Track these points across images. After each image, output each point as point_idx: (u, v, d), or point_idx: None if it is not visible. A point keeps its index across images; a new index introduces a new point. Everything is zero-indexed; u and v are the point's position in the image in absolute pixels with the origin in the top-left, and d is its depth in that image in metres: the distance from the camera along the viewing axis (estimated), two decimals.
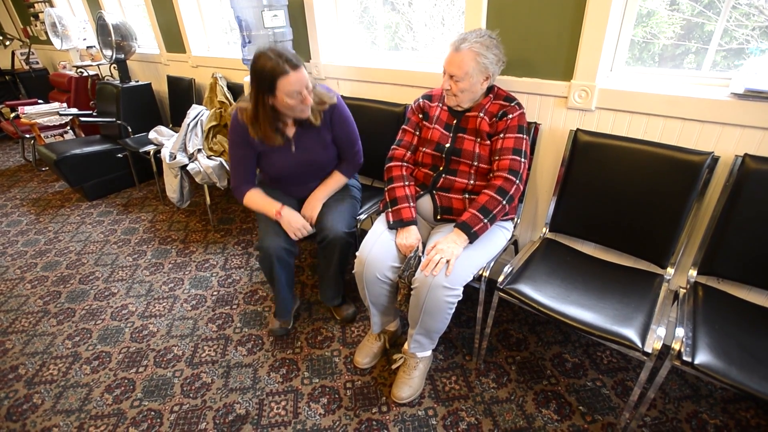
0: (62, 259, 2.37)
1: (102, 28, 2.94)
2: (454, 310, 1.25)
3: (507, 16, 1.42)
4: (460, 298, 1.24)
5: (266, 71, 1.27)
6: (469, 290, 1.83)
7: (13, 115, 3.20)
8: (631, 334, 1.08)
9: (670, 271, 1.31)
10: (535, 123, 1.48)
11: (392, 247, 1.34)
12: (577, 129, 1.41)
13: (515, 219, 1.54)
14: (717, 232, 1.23)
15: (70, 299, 2.02)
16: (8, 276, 2.24)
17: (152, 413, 1.41)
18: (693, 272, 1.29)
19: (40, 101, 3.69)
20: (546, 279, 1.31)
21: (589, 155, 1.39)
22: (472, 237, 1.25)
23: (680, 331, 1.08)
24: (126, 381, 1.55)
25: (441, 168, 1.38)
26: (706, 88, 1.23)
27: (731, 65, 1.26)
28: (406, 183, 1.41)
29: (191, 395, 1.47)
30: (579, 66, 1.33)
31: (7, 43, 4.26)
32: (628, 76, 1.37)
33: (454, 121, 1.37)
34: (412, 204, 1.38)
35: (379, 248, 1.33)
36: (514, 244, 1.62)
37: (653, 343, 1.06)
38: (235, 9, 1.83)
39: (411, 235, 1.33)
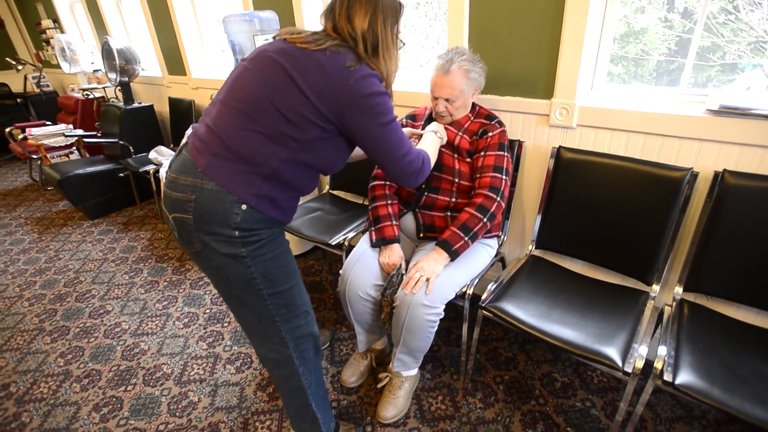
0: (61, 277, 2.41)
1: (107, 53, 3.05)
2: (435, 328, 1.25)
3: (488, 36, 1.46)
4: (441, 317, 1.24)
5: None
6: (459, 308, 1.82)
7: (21, 136, 3.30)
8: (612, 352, 1.06)
9: (656, 288, 1.30)
10: (519, 140, 1.50)
11: (375, 265, 1.35)
12: (560, 146, 1.42)
13: (501, 236, 1.54)
14: (701, 249, 1.22)
15: (65, 317, 2.05)
16: (7, 294, 2.28)
17: None
18: (679, 289, 1.27)
19: (48, 123, 3.80)
20: (529, 296, 1.30)
21: (571, 172, 1.40)
22: (453, 255, 1.25)
23: (663, 350, 1.06)
24: (114, 399, 1.55)
25: (423, 186, 1.39)
26: (684, 105, 1.24)
27: (726, 80, 1.26)
28: (389, 201, 1.42)
29: (177, 414, 1.47)
30: (558, 84, 1.35)
31: (20, 67, 4.43)
32: (608, 93, 1.39)
33: None
34: (394, 222, 1.39)
35: (362, 266, 1.34)
36: (501, 261, 1.62)
37: (635, 362, 1.04)
38: (228, 34, 1.89)
39: (394, 254, 1.34)
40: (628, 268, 1.35)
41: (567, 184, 1.42)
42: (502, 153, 1.31)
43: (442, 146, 1.35)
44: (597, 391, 1.44)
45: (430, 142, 1.26)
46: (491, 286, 1.34)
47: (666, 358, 1.04)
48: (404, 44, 1.07)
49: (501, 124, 1.35)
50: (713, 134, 1.15)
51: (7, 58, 4.45)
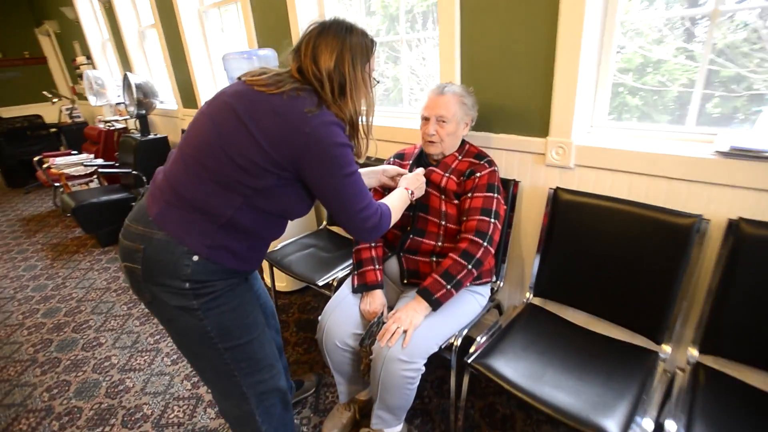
0: (63, 305, 2.43)
1: (127, 87, 3.19)
2: (415, 384, 1.14)
3: (480, 70, 1.41)
4: (421, 372, 1.13)
5: (360, 32, 0.92)
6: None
7: (45, 165, 3.45)
8: (611, 426, 0.93)
9: (667, 348, 1.15)
10: (514, 180, 1.41)
11: (355, 313, 1.26)
12: (557, 187, 1.32)
13: (497, 282, 1.44)
14: (717, 305, 1.08)
15: (59, 348, 2.04)
16: (10, 322, 2.31)
17: None
18: (693, 351, 1.12)
19: (74, 152, 3.98)
20: (522, 352, 1.18)
21: (570, 215, 1.30)
22: (434, 304, 1.15)
23: (671, 426, 0.92)
24: None
25: (408, 228, 1.32)
26: (690, 145, 1.13)
27: (753, 111, 1.13)
28: (373, 244, 1.35)
29: None
30: (554, 122, 1.27)
31: (55, 100, 4.71)
32: (610, 131, 1.29)
33: None
34: (377, 267, 1.31)
35: (340, 314, 1.26)
36: (497, 307, 1.50)
37: None
38: (228, 71, 1.93)
39: (375, 300, 1.25)
40: (635, 322, 1.21)
41: (566, 227, 1.31)
42: (491, 194, 1.22)
43: (428, 187, 1.28)
44: None
45: (398, 198, 1.15)
46: (481, 338, 1.22)
47: None
48: (378, 82, 1.02)
49: (491, 163, 1.27)
50: (725, 178, 1.03)
51: (44, 92, 4.75)
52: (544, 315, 1.35)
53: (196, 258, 0.85)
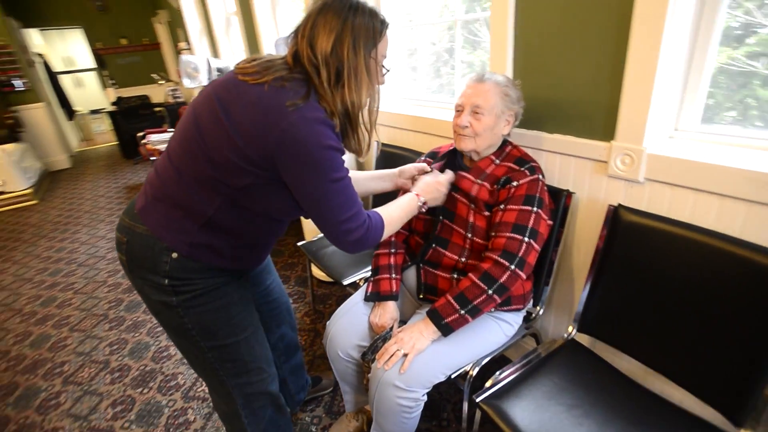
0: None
1: (210, 71, 3.40)
2: (413, 414, 1.02)
3: (535, 56, 1.18)
4: (421, 401, 1.01)
5: (368, 11, 0.80)
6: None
7: (143, 141, 3.88)
8: None
9: None
10: (567, 191, 1.17)
11: (363, 323, 1.17)
12: (619, 205, 1.06)
13: (537, 308, 1.23)
14: None
15: (127, 309, 2.27)
16: (97, 278, 2.64)
17: None
18: None
19: (170, 130, 4.42)
20: (547, 400, 0.98)
21: (632, 240, 1.04)
22: (444, 330, 1.00)
23: None
24: (129, 399, 1.64)
25: (431, 236, 1.17)
26: None
27: None
28: (393, 250, 1.23)
29: (171, 429, 1.48)
30: (621, 122, 1.02)
31: (161, 82, 5.26)
32: (703, 137, 0.99)
33: None
34: (394, 275, 1.19)
35: (347, 322, 1.17)
36: (534, 336, 1.29)
37: None
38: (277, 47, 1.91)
39: (386, 313, 1.14)
40: (706, 389, 0.93)
41: (626, 255, 1.06)
42: (528, 208, 1.02)
43: (454, 192, 1.12)
44: None
45: (400, 207, 0.99)
46: (501, 373, 1.05)
47: None
48: (388, 71, 0.89)
49: (534, 170, 1.06)
50: None
51: (152, 75, 5.34)
52: (586, 357, 1.12)
53: (175, 255, 0.82)
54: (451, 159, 1.20)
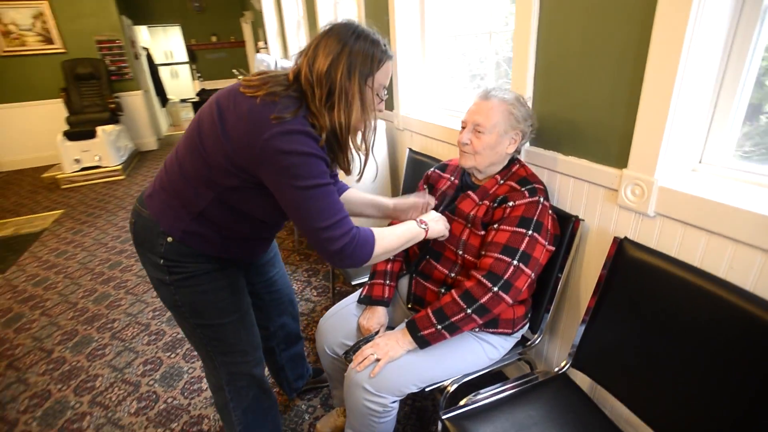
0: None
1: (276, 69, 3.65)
2: (383, 420, 1.03)
3: (554, 75, 1.13)
4: (391, 409, 1.02)
5: (370, 40, 0.84)
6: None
7: None
8: None
9: None
10: (576, 217, 1.11)
11: (352, 323, 1.20)
12: (624, 238, 0.99)
13: (535, 335, 1.18)
14: None
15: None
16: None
17: None
18: None
19: None
20: (516, 431, 0.95)
21: (635, 278, 0.96)
22: (420, 342, 1.00)
23: None
24: (157, 360, 1.83)
25: (426, 247, 1.17)
26: None
27: None
28: (392, 257, 1.25)
29: (186, 395, 1.63)
30: (634, 150, 0.94)
31: (240, 77, 5.71)
32: (732, 173, 0.89)
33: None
34: (389, 282, 1.21)
35: (338, 320, 1.21)
36: (528, 363, 1.24)
37: None
38: None
39: (374, 317, 1.17)
40: None
41: (628, 292, 0.98)
42: (522, 230, 0.98)
43: (450, 212, 1.11)
44: None
45: (403, 231, 1.00)
46: (475, 395, 1.03)
47: None
48: (382, 99, 0.91)
49: (535, 192, 1.02)
50: None
51: (233, 70, 5.82)
52: (572, 394, 1.05)
53: (170, 239, 0.91)
54: (463, 176, 1.19)
